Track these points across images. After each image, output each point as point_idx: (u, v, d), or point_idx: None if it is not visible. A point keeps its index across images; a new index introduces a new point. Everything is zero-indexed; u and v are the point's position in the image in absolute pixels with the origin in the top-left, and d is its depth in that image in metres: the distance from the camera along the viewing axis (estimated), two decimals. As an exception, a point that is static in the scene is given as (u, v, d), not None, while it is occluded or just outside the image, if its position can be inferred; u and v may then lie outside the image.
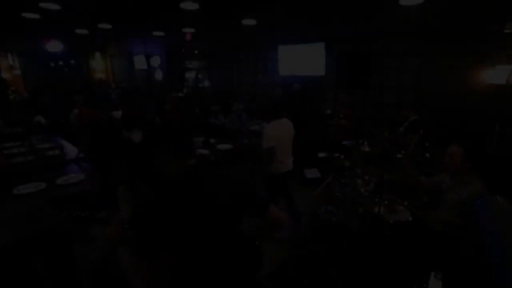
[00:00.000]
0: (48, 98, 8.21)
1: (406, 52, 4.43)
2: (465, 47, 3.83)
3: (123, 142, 3.89)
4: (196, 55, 9.03)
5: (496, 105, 3.62)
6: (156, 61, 10.02)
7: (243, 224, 1.24)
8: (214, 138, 4.61)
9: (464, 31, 3.78)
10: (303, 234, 2.99)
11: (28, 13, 5.39)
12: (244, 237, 1.28)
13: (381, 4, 4.47)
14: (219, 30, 7.43)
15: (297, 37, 5.73)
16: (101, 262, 1.70)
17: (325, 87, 5.63)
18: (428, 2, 3.57)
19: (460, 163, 2.04)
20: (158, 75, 10.16)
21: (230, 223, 1.18)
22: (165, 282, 1.07)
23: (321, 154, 3.08)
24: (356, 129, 4.37)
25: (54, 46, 11.04)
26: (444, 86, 4.10)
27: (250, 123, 5.71)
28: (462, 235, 1.93)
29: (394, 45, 4.55)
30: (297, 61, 5.87)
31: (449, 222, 2.06)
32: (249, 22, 5.71)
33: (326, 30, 5.29)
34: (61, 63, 12.11)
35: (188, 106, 7.05)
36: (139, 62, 10.77)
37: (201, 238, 1.07)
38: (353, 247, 2.41)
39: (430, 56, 4.19)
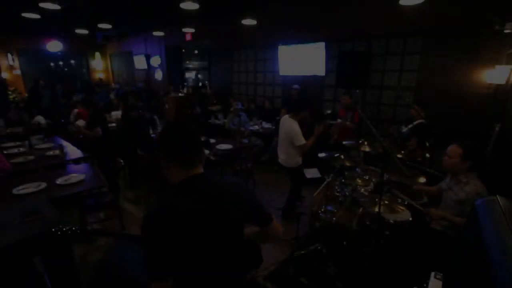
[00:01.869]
0: (48, 98, 8.22)
1: (406, 52, 4.43)
2: (465, 47, 3.83)
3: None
4: (196, 55, 9.03)
5: (496, 105, 3.61)
6: (156, 61, 10.02)
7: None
8: (214, 138, 4.61)
9: (464, 31, 3.78)
10: (303, 234, 2.99)
11: (28, 13, 5.39)
12: (245, 240, 1.26)
13: (381, 4, 4.49)
14: (219, 30, 7.45)
15: (297, 37, 5.73)
16: (102, 262, 1.70)
17: (325, 87, 5.63)
18: (428, 2, 3.57)
19: (459, 163, 2.04)
20: (158, 75, 10.17)
21: (235, 232, 1.15)
22: None
23: (321, 154, 3.08)
24: (359, 130, 4.38)
25: (54, 46, 11.05)
26: (444, 86, 4.09)
27: (249, 123, 5.72)
28: (462, 235, 1.93)
29: (394, 45, 4.54)
30: (297, 61, 5.86)
31: (451, 220, 2.06)
32: (249, 22, 5.72)
33: (326, 30, 5.30)
34: (61, 63, 12.11)
35: (188, 106, 7.05)
36: (139, 62, 10.77)
37: (205, 249, 1.04)
38: (353, 247, 2.42)
39: (430, 56, 4.19)
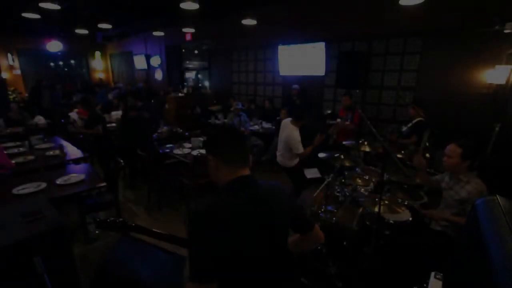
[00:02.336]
0: (48, 98, 8.23)
1: (406, 52, 4.43)
2: (465, 47, 3.83)
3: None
4: (196, 55, 9.04)
5: (496, 105, 3.61)
6: (156, 61, 10.02)
7: None
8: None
9: (464, 31, 3.79)
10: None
11: (28, 13, 5.38)
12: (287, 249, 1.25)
13: (381, 4, 4.49)
14: (219, 30, 7.45)
15: (297, 37, 5.73)
16: (102, 262, 1.70)
17: (325, 87, 5.63)
18: (428, 2, 3.57)
19: (458, 162, 2.04)
20: (158, 75, 10.16)
21: (280, 235, 1.15)
22: None
23: (321, 154, 3.08)
24: (359, 130, 4.38)
25: (54, 46, 11.05)
26: (444, 86, 4.09)
27: (249, 123, 5.71)
28: (462, 235, 1.93)
29: (394, 45, 4.54)
30: (297, 61, 5.86)
31: (452, 221, 2.06)
32: (249, 22, 5.72)
33: (326, 30, 5.30)
34: (61, 63, 12.11)
35: (188, 106, 7.06)
36: (139, 62, 10.77)
37: (251, 253, 1.03)
38: (353, 247, 2.41)
39: (430, 56, 4.19)
